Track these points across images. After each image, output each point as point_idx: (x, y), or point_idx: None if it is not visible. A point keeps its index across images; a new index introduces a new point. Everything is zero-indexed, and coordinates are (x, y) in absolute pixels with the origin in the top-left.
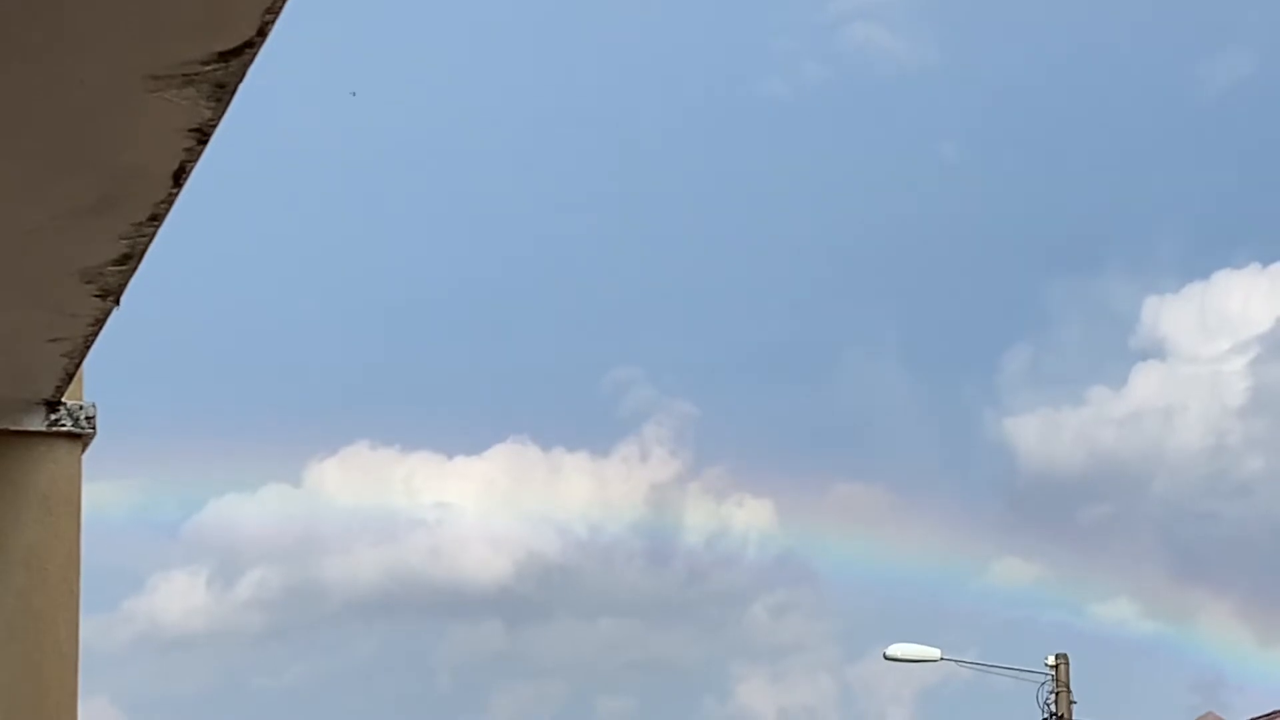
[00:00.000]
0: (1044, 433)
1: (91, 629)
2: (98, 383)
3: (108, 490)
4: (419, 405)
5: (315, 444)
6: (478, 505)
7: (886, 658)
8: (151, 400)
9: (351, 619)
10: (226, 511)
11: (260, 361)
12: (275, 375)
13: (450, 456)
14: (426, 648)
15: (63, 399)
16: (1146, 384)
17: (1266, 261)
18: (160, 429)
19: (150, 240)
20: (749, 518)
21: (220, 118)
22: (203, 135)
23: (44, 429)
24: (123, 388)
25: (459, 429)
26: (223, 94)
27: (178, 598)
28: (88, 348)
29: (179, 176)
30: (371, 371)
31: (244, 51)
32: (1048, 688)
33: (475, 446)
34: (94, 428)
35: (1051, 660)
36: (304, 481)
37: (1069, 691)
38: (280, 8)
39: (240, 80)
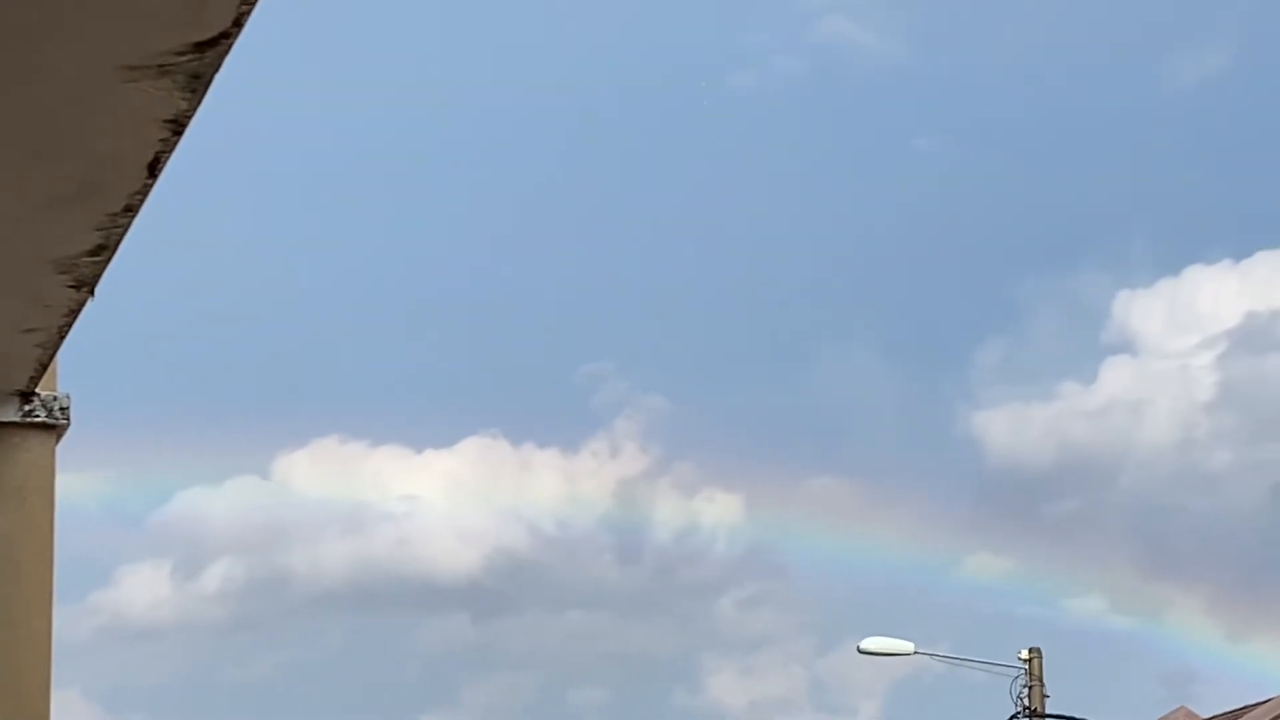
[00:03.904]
0: (1016, 427)
1: (59, 620)
2: (67, 373)
3: (75, 481)
4: (388, 399)
5: (284, 437)
6: (446, 499)
7: (860, 651)
8: (119, 391)
9: (320, 611)
10: (194, 503)
11: (230, 354)
12: (245, 368)
13: (419, 450)
14: (395, 640)
15: (37, 390)
16: (1117, 379)
17: (1239, 257)
18: (128, 420)
19: (125, 231)
20: (719, 512)
21: (196, 109)
22: (178, 126)
23: (18, 420)
24: (91, 378)
25: (428, 423)
26: (198, 85)
27: (145, 589)
28: (62, 338)
29: (154, 167)
30: (341, 365)
31: (220, 42)
32: (1021, 681)
33: (444, 440)
34: (68, 419)
35: (1024, 654)
36: (272, 474)
37: (1042, 685)
38: None
39: (216, 71)
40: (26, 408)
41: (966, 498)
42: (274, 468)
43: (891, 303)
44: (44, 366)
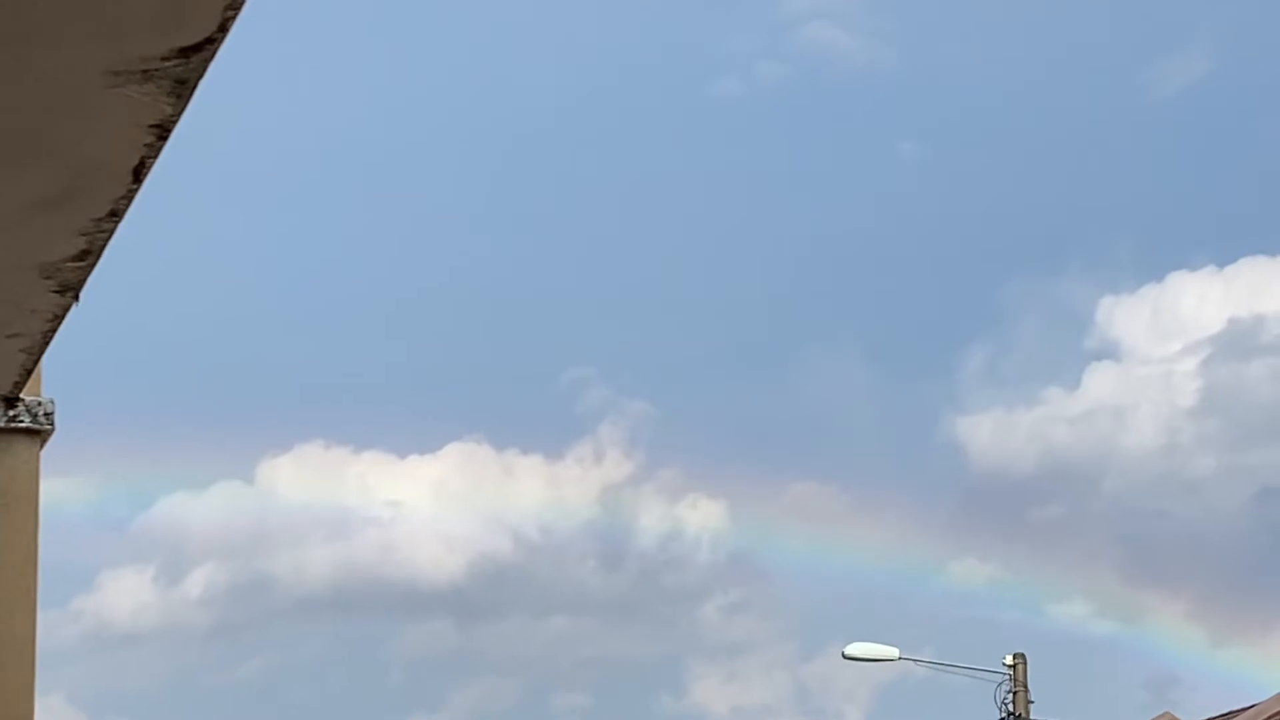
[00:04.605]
0: (1000, 433)
1: (41, 625)
2: (52, 378)
3: (58, 486)
4: (373, 405)
5: (268, 442)
6: (430, 504)
7: (845, 657)
8: (104, 396)
9: (303, 616)
10: (178, 508)
11: (214, 359)
12: (229, 373)
13: (403, 456)
14: (378, 645)
15: (21, 395)
16: (1100, 384)
17: (1223, 263)
18: (113, 425)
19: (110, 236)
20: (703, 518)
21: (181, 114)
22: (163, 131)
23: (2, 425)
24: (76, 383)
25: (412, 429)
26: (183, 90)
27: (128, 594)
28: (46, 344)
29: (139, 172)
30: (326, 370)
31: (205, 47)
32: (1005, 687)
33: (428, 446)
34: (52, 424)
35: (1009, 660)
36: (257, 479)
37: (1027, 691)
38: (242, 4)
39: (201, 76)
40: (11, 413)
41: (950, 503)
42: (258, 473)
43: (876, 307)
44: (28, 372)
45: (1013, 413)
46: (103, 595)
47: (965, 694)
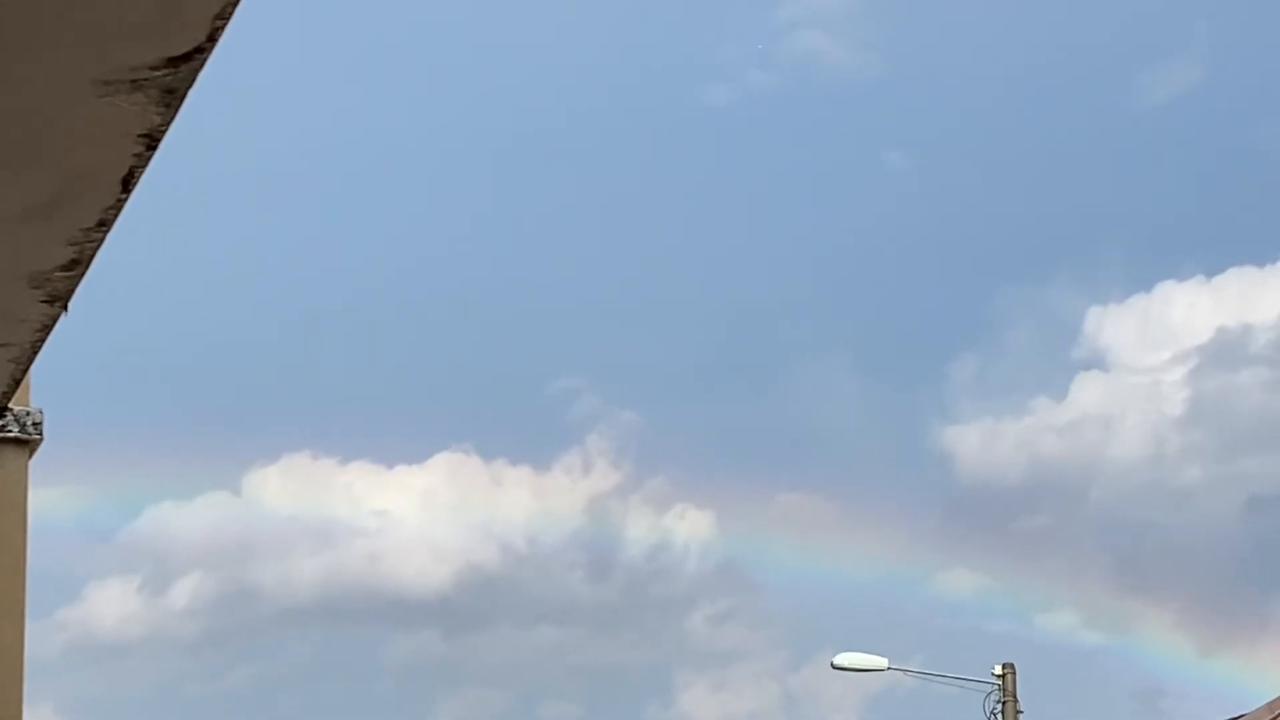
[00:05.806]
0: (988, 442)
1: (28, 636)
2: (40, 388)
3: (45, 495)
4: (360, 415)
5: (255, 452)
6: (418, 514)
7: (834, 666)
8: (91, 406)
9: (290, 627)
10: (164, 518)
11: (202, 369)
12: (216, 383)
13: (391, 466)
14: (366, 655)
15: (10, 405)
16: (1088, 394)
17: (1211, 273)
18: (100, 435)
19: (99, 246)
20: (691, 527)
21: (170, 124)
22: (152, 141)
23: None
24: (64, 393)
25: (400, 439)
26: (172, 100)
27: (114, 605)
28: (35, 354)
29: (128, 182)
30: (313, 380)
31: (194, 57)
32: (994, 697)
33: (416, 456)
34: (41, 434)
35: (998, 670)
36: (244, 489)
37: (1015, 701)
38: (231, 13)
39: (190, 86)
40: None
41: (938, 513)
42: (245, 483)
43: (864, 317)
44: (17, 382)
45: (1001, 422)
46: (89, 605)
47: (954, 704)
